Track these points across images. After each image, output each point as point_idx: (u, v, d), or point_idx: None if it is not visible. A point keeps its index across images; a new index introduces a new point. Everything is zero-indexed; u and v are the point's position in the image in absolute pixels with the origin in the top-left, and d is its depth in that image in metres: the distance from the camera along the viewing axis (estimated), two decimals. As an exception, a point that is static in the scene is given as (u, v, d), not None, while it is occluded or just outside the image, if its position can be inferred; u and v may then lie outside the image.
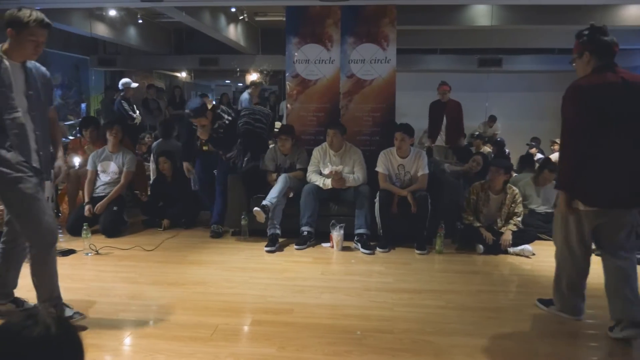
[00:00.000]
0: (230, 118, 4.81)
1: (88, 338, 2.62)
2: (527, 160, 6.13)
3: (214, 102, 10.90)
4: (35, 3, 6.49)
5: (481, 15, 8.48)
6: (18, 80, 2.55)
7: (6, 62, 2.50)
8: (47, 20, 2.51)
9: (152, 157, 5.94)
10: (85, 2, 6.27)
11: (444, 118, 6.89)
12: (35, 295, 2.70)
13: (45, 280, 2.68)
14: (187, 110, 4.73)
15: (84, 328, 2.70)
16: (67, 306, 2.77)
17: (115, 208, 4.79)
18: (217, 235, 4.73)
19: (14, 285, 2.88)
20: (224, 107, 4.92)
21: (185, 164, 5.04)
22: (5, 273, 2.80)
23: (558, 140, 7.41)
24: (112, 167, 4.93)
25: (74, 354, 1.01)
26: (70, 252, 4.12)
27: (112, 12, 9.05)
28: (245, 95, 8.07)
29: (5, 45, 2.53)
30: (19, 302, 2.90)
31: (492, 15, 8.37)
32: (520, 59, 11.37)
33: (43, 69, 2.73)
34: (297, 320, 2.86)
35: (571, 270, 2.85)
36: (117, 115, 7.99)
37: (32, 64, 2.64)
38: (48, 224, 2.61)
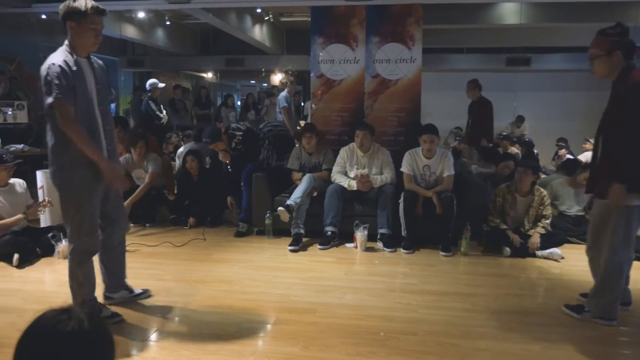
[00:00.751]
0: (241, 133, 4.91)
1: (116, 334, 2.68)
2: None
3: (240, 103, 10.98)
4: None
5: (510, 13, 8.33)
6: (88, 76, 2.60)
7: (78, 60, 2.54)
8: (102, 7, 2.55)
9: (178, 152, 6.11)
10: (114, 4, 6.42)
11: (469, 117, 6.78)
12: (71, 295, 2.76)
13: (82, 284, 2.72)
14: (204, 139, 4.93)
15: (121, 322, 2.78)
16: (104, 307, 2.84)
17: (153, 192, 5.10)
18: (240, 234, 4.78)
19: (123, 276, 3.06)
20: (232, 125, 5.09)
21: (229, 199, 5.15)
22: (109, 264, 2.96)
23: (591, 140, 7.20)
24: (142, 173, 5.17)
25: (106, 348, 1.04)
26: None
27: (141, 14, 9.23)
28: (283, 94, 8.18)
29: (67, 42, 2.56)
30: (130, 288, 3.08)
31: (521, 13, 8.21)
32: (550, 57, 11.12)
33: (100, 61, 2.76)
34: (320, 320, 2.86)
35: (626, 271, 2.81)
36: (144, 115, 8.15)
37: (92, 57, 2.69)
38: (90, 233, 2.66)
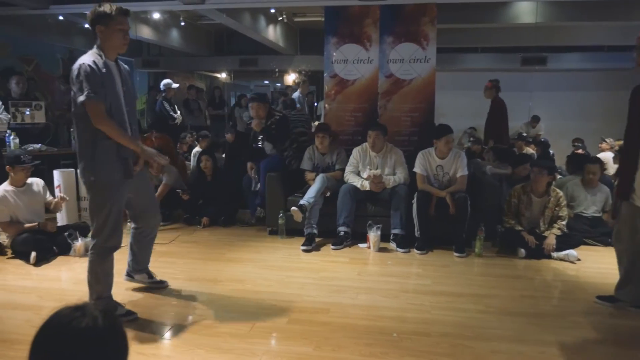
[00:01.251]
0: (280, 114, 5.07)
1: (130, 331, 2.71)
2: (576, 160, 5.52)
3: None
4: (82, 8, 6.76)
5: (525, 12, 8.24)
6: (116, 78, 2.71)
7: (107, 62, 2.65)
8: (125, 8, 2.67)
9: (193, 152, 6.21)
10: (130, 5, 6.47)
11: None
12: (88, 291, 2.83)
13: (100, 280, 2.79)
14: (250, 97, 5.21)
15: (135, 320, 2.81)
16: (119, 305, 2.88)
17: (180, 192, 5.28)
18: (260, 221, 5.01)
19: (147, 262, 3.27)
20: (277, 108, 5.34)
21: (249, 164, 5.21)
22: (137, 251, 3.13)
23: (607, 140, 7.08)
24: (156, 182, 5.25)
25: (119, 346, 1.04)
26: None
27: (156, 15, 9.32)
28: (296, 94, 8.22)
29: (99, 46, 2.67)
30: (150, 274, 3.29)
31: (537, 12, 8.12)
32: (567, 57, 10.98)
33: (126, 65, 2.86)
34: (333, 320, 2.86)
35: None
36: (158, 116, 8.22)
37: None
38: (114, 230, 2.75)
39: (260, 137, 5.06)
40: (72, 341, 0.97)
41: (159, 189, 5.10)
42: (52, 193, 4.75)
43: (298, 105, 8.04)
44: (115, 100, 2.67)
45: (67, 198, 4.39)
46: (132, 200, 2.96)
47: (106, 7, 2.61)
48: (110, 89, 2.64)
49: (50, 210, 4.26)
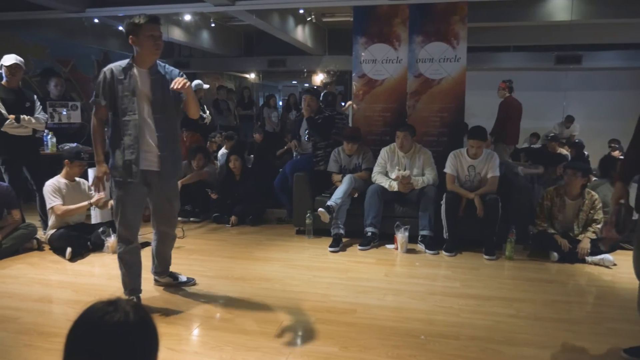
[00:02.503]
0: (327, 114, 5.18)
1: (160, 327, 2.76)
2: (608, 163, 5.48)
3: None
4: (117, 11, 6.93)
5: (560, 9, 8.02)
6: (144, 86, 2.83)
7: (134, 70, 2.82)
8: (154, 16, 2.82)
9: (219, 154, 6.38)
10: (161, 8, 6.62)
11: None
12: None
13: (122, 267, 3.00)
14: (305, 89, 5.43)
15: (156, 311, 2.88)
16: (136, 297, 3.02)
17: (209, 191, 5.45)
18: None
19: (166, 265, 3.36)
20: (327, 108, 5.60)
21: (293, 142, 5.54)
22: (155, 254, 3.27)
23: None
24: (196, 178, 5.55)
25: (150, 340, 1.07)
26: (146, 244, 4.34)
27: (187, 17, 9.47)
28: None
29: (134, 54, 2.86)
30: (174, 276, 3.40)
31: (572, 9, 7.89)
32: (603, 55, 10.64)
33: (175, 72, 2.95)
34: (360, 321, 2.85)
35: None
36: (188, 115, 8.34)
37: (163, 69, 2.90)
38: (124, 225, 2.94)
39: (307, 130, 5.20)
40: (104, 335, 1.00)
41: (200, 173, 5.47)
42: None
43: (342, 104, 8.05)
44: (129, 107, 2.79)
45: (107, 207, 4.56)
46: (155, 204, 3.09)
47: (135, 19, 2.77)
48: (121, 95, 2.79)
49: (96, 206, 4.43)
